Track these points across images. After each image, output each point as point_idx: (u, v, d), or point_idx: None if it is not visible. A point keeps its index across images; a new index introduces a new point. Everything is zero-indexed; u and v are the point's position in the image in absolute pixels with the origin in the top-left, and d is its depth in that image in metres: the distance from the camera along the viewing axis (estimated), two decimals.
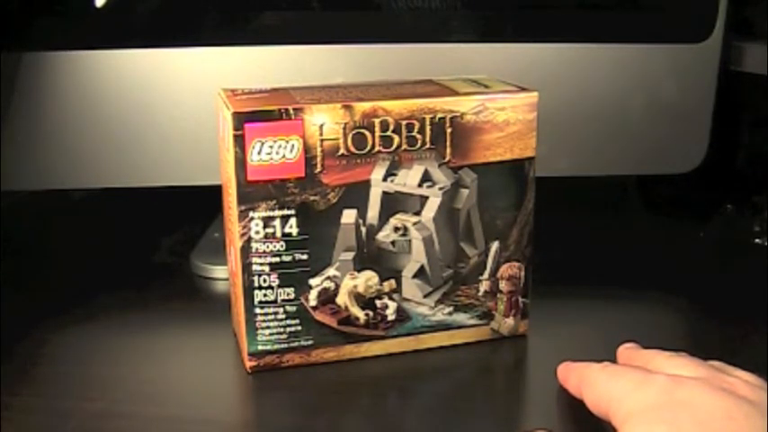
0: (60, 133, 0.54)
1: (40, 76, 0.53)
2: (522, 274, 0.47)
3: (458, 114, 0.43)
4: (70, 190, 0.58)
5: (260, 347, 0.44)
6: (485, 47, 0.56)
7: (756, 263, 0.60)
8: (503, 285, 0.47)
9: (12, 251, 0.61)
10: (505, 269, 0.47)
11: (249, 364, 0.44)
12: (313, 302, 0.44)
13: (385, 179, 0.43)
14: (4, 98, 0.53)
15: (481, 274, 0.46)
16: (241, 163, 0.41)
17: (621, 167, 0.60)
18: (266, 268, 0.43)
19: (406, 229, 0.44)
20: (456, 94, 0.44)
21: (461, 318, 0.47)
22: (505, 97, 0.44)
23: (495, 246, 0.46)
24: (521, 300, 0.47)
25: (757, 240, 0.64)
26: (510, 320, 0.48)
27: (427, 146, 0.43)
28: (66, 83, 0.54)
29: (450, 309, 0.46)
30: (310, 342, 0.45)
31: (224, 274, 0.56)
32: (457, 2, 0.56)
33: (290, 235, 0.43)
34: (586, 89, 0.56)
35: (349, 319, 0.45)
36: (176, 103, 0.54)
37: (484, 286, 0.47)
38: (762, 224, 0.65)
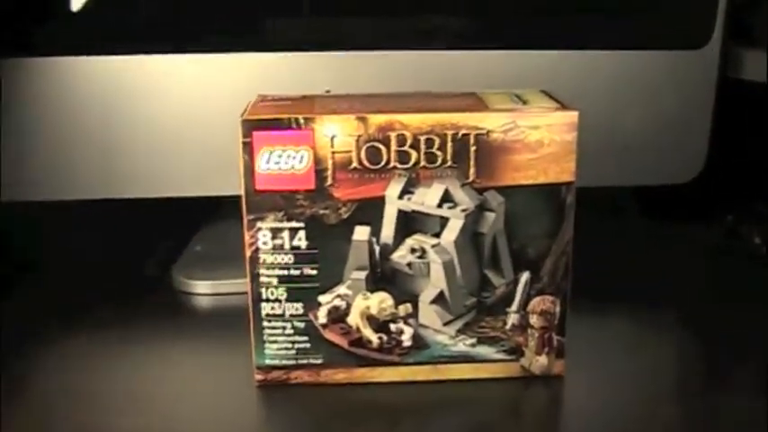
0: (53, 144, 0.53)
1: (33, 83, 0.52)
2: (557, 309, 0.43)
3: (483, 132, 0.40)
4: (59, 201, 0.56)
5: (267, 361, 0.43)
6: (482, 54, 0.53)
7: (756, 272, 0.59)
8: (534, 320, 0.43)
9: (3, 262, 0.60)
10: (537, 303, 0.43)
11: (256, 377, 0.43)
12: (323, 320, 0.42)
13: (401, 197, 0.41)
14: None
15: (509, 306, 0.43)
16: (249, 171, 0.40)
17: (619, 178, 0.57)
18: (274, 280, 0.42)
19: (423, 251, 0.42)
20: (485, 109, 0.41)
21: (486, 351, 0.43)
22: (539, 115, 0.40)
23: (525, 276, 0.42)
24: (555, 337, 0.43)
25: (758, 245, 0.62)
26: (542, 359, 0.43)
27: (448, 164, 0.40)
28: (57, 91, 0.52)
29: (474, 340, 0.43)
30: (320, 361, 0.43)
31: (206, 289, 0.55)
32: (457, 8, 0.54)
33: (298, 248, 0.41)
34: (584, 96, 0.52)
35: (361, 342, 0.43)
36: (172, 112, 0.52)
37: (512, 319, 0.43)
38: (762, 234, 0.62)
